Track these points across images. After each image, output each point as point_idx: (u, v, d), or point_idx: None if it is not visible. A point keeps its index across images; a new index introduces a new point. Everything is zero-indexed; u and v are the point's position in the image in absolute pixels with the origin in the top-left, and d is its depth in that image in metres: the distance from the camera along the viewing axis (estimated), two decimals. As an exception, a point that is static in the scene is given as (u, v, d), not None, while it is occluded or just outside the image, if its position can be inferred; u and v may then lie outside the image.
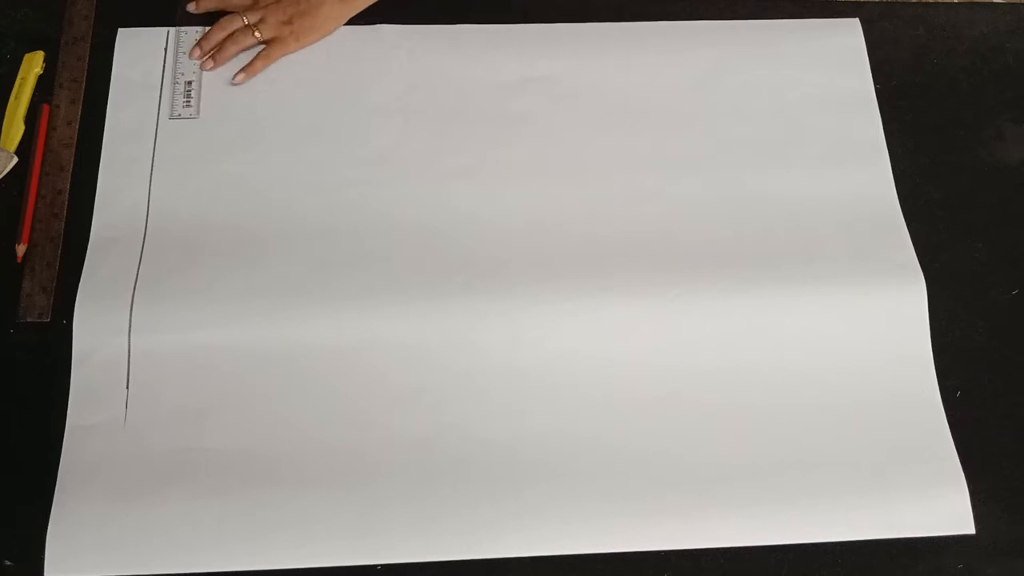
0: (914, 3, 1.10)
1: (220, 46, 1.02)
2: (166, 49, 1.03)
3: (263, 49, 1.03)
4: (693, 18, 1.07)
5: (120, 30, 1.04)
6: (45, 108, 1.00)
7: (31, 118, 0.99)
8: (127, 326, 0.89)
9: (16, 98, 0.99)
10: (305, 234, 0.94)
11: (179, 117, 0.99)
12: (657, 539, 0.84)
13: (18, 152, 0.97)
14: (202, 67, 1.02)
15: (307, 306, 0.90)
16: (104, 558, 0.81)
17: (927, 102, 1.05)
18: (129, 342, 0.88)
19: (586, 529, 0.84)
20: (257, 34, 1.02)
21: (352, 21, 1.04)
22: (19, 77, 1.00)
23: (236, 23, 1.03)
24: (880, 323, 0.92)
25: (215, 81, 1.02)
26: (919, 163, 1.01)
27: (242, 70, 1.02)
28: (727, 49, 1.06)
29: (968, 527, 0.85)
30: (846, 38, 1.07)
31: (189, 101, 1.00)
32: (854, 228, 0.96)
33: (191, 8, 1.05)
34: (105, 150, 0.98)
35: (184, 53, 1.03)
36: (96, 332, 0.89)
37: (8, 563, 0.82)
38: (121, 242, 0.93)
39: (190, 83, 1.01)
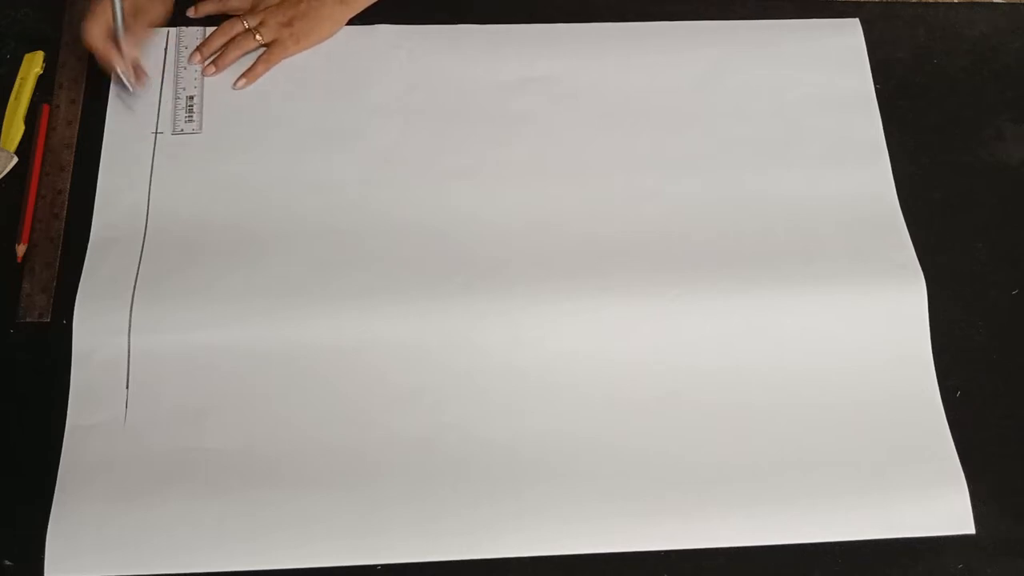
0: (914, 3, 1.10)
1: (222, 51, 1.02)
2: (166, 49, 1.03)
3: (263, 53, 1.02)
4: (693, 18, 1.07)
5: (121, 30, 1.04)
6: (45, 108, 1.00)
7: (31, 118, 0.99)
8: (127, 326, 0.89)
9: (16, 98, 0.99)
10: (305, 234, 0.94)
11: (181, 132, 0.99)
12: (657, 539, 0.84)
13: (18, 152, 0.97)
14: (204, 73, 1.02)
15: (307, 306, 0.90)
16: (104, 558, 0.81)
17: (927, 102, 1.05)
18: (129, 342, 0.88)
19: (586, 529, 0.84)
20: (258, 37, 1.02)
21: (352, 21, 1.04)
22: (19, 77, 1.00)
23: (237, 27, 1.03)
24: (880, 323, 0.92)
25: (217, 95, 1.01)
26: (919, 163, 1.01)
27: (243, 75, 1.02)
28: (727, 49, 1.06)
29: (968, 527, 0.85)
30: (846, 38, 1.07)
31: (191, 116, 1.00)
32: (854, 228, 0.96)
33: (190, 13, 1.04)
34: (105, 150, 0.98)
35: (185, 56, 1.02)
36: (96, 332, 0.89)
37: (8, 563, 0.82)
38: (121, 242, 0.93)
39: (192, 98, 1.01)
